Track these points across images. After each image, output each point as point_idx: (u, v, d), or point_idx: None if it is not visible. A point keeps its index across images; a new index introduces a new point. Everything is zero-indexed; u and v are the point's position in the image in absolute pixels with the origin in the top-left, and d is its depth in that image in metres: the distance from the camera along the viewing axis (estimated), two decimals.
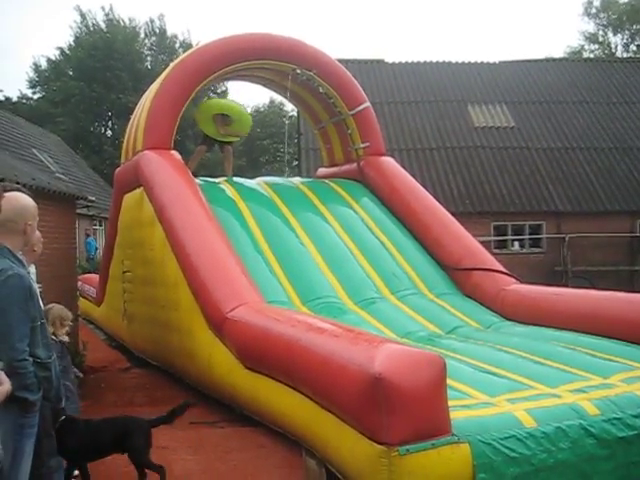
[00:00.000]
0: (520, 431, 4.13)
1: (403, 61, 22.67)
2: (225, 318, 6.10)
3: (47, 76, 40.81)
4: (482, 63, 22.51)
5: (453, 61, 22.56)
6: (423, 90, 21.00)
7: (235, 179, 9.45)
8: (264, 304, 6.41)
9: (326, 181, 9.82)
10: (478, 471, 3.91)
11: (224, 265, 6.73)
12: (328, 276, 7.71)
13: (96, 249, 21.38)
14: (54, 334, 4.78)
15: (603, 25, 40.17)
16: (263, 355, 5.52)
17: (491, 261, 8.26)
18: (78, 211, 12.55)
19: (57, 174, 20.05)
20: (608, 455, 4.37)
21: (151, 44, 42.74)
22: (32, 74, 41.34)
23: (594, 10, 39.83)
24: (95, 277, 12.72)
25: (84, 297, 12.75)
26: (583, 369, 5.25)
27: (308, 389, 4.77)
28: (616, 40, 40.43)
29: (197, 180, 8.35)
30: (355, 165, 9.73)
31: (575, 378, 5.04)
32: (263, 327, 5.67)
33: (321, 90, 9.58)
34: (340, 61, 9.88)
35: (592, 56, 35.93)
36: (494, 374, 5.20)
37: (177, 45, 42.14)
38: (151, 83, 9.56)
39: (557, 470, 4.17)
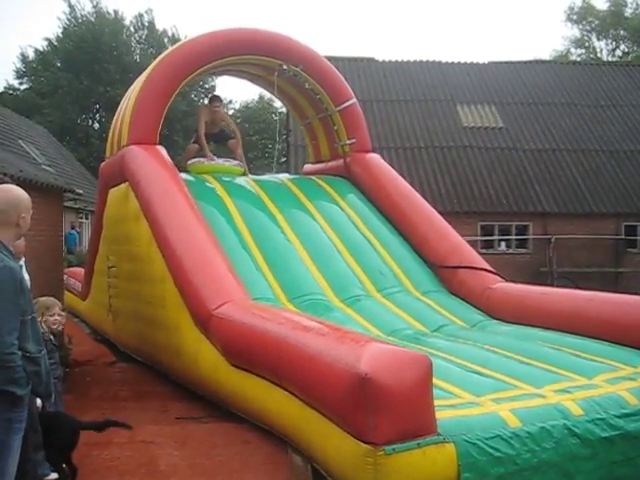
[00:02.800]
0: (505, 431, 4.15)
1: (393, 59, 22.71)
2: (211, 315, 6.08)
3: (34, 67, 40.51)
4: (471, 63, 22.60)
5: (443, 61, 22.64)
6: (412, 89, 21.04)
7: (221, 175, 9.39)
8: (250, 301, 6.39)
9: (312, 177, 9.81)
10: (463, 470, 3.93)
11: (210, 261, 6.70)
12: (314, 273, 7.70)
13: (75, 242, 20.87)
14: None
15: (587, 30, 40.52)
16: (249, 353, 5.50)
17: (477, 259, 8.27)
18: (64, 204, 12.47)
19: (44, 166, 19.91)
20: (591, 455, 4.41)
21: (139, 37, 42.53)
22: (19, 64, 41.04)
23: (575, 16, 40.18)
24: (80, 271, 12.64)
25: (69, 291, 12.67)
26: (568, 369, 5.27)
27: (294, 387, 4.77)
28: (601, 45, 40.81)
29: (183, 175, 8.31)
30: (341, 161, 9.72)
31: (560, 378, 5.07)
32: (249, 324, 5.65)
33: (307, 86, 9.55)
34: (330, 59, 9.87)
35: (579, 60, 36.20)
36: (479, 373, 5.22)
37: (165, 39, 41.95)
38: (139, 76, 9.49)
39: (541, 470, 4.20)
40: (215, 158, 9.48)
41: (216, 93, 11.47)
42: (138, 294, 8.05)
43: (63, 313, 5.29)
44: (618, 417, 4.59)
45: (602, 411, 4.58)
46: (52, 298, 5.21)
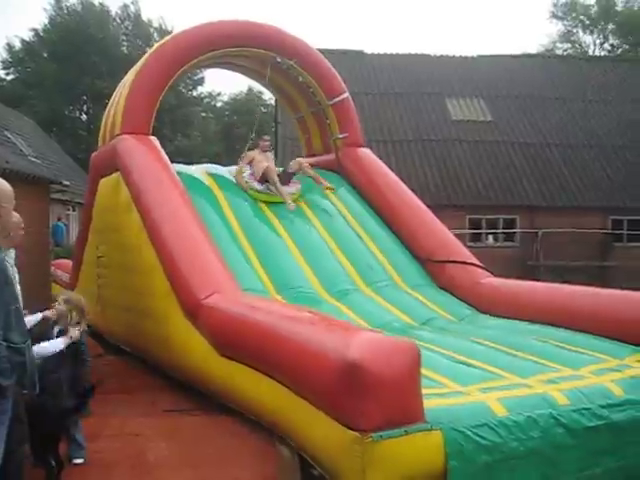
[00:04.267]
0: (492, 419, 4.19)
1: (382, 52, 22.71)
2: (200, 305, 6.10)
3: (21, 57, 40.19)
4: (460, 57, 22.65)
5: (432, 54, 22.66)
6: (401, 82, 21.07)
7: (211, 167, 9.38)
8: (239, 292, 6.41)
9: None
10: (450, 458, 3.97)
11: (200, 252, 6.72)
12: (303, 266, 7.73)
13: (63, 234, 20.65)
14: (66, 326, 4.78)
15: (573, 25, 40.69)
16: (238, 342, 5.53)
17: (466, 254, 8.33)
18: (52, 195, 12.40)
19: (31, 157, 19.79)
20: (576, 444, 4.46)
21: (126, 28, 42.27)
22: (5, 55, 40.71)
23: (560, 13, 40.36)
24: (68, 263, 12.59)
25: (57, 283, 12.63)
26: (554, 361, 5.34)
27: (283, 376, 4.80)
28: (588, 39, 40.98)
29: (174, 166, 8.31)
30: (333, 155, 9.74)
31: (546, 369, 5.13)
32: (238, 314, 5.68)
33: (300, 79, 9.56)
34: (319, 51, 9.87)
35: (566, 54, 36.36)
36: (467, 364, 5.27)
37: (152, 31, 41.74)
38: (127, 68, 9.46)
39: (527, 458, 4.24)
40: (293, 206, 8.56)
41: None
42: (128, 284, 8.04)
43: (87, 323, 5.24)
44: (603, 407, 4.64)
45: (587, 401, 4.63)
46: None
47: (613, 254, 17.92)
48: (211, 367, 5.98)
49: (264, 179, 8.62)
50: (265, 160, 8.86)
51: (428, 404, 4.12)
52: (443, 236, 8.63)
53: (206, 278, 6.37)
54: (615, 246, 18.05)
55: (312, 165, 9.89)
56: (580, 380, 4.91)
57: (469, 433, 4.06)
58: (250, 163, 8.85)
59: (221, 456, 5.08)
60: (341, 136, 9.64)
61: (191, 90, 44.66)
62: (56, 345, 4.63)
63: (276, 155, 20.36)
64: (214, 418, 6.00)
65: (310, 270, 7.70)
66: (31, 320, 4.49)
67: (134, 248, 7.66)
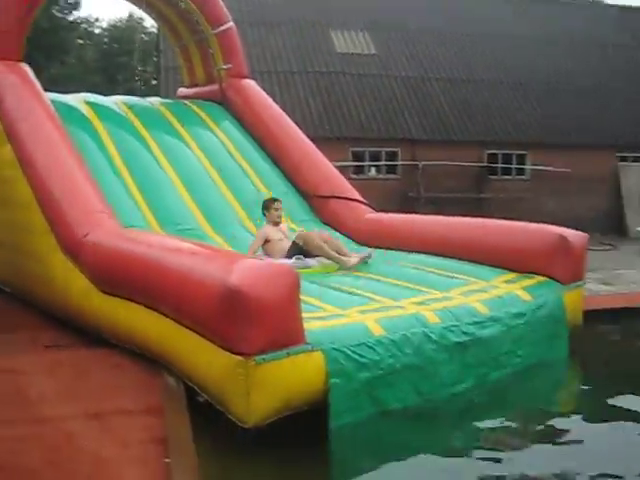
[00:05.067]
0: (370, 339, 4.47)
1: None
2: (80, 241, 5.94)
3: None
4: None
5: None
6: (286, 11, 20.73)
7: (90, 96, 8.99)
8: (121, 228, 6.30)
9: (186, 102, 9.61)
10: (331, 377, 4.21)
11: (78, 187, 6.49)
12: (188, 202, 7.66)
13: None
14: None
15: None
16: (120, 277, 5.46)
17: (349, 189, 8.53)
18: None
19: None
20: (447, 358, 4.87)
21: None
22: None
23: None
24: None
25: None
26: (426, 286, 5.70)
27: (167, 307, 4.83)
28: None
29: (49, 95, 7.90)
30: (217, 86, 9.58)
31: (419, 293, 5.48)
32: (120, 249, 5.58)
33: (182, 5, 9.24)
34: None
35: None
36: (346, 292, 5.52)
37: None
38: None
39: (403, 373, 4.58)
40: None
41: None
42: (4, 220, 7.70)
43: None
44: (470, 324, 5.07)
45: (456, 320, 5.03)
46: None
47: (489, 186, 18.81)
48: (93, 304, 5.89)
49: (292, 254, 6.86)
50: (284, 237, 7.14)
51: (309, 326, 4.32)
52: (326, 170, 8.77)
53: (86, 214, 6.16)
54: (490, 179, 18.93)
55: (195, 96, 9.69)
56: (450, 301, 5.30)
57: (349, 352, 4.31)
58: (266, 244, 7.04)
59: (104, 388, 5.07)
60: (225, 67, 9.47)
61: (66, 14, 41.96)
62: None
63: (159, 85, 19.72)
64: (96, 352, 5.94)
65: (195, 205, 7.65)
66: None
67: (8, 182, 7.31)
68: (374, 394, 4.45)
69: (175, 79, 16.07)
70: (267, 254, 6.93)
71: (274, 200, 7.33)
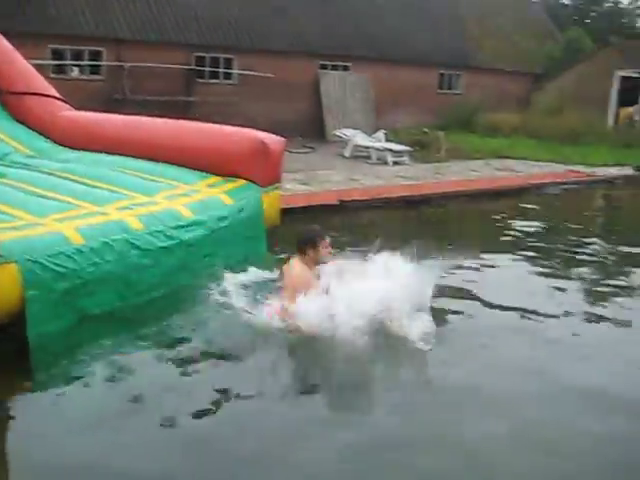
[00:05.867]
0: (68, 248, 4.35)
1: None
2: None
3: None
4: None
5: None
6: None
7: None
8: None
9: None
10: (27, 288, 4.06)
11: None
12: None
13: None
14: None
15: None
16: None
17: (45, 86, 7.95)
18: None
19: None
20: (152, 264, 4.92)
21: None
22: None
23: None
24: None
25: None
26: (130, 189, 5.62)
27: None
28: None
29: None
30: None
31: (122, 197, 5.40)
32: None
33: None
34: None
35: None
36: (43, 197, 5.24)
37: None
38: None
39: (105, 281, 4.56)
40: None
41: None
42: None
43: None
44: (174, 229, 5.17)
45: (160, 224, 5.08)
46: None
47: (196, 90, 18.74)
48: None
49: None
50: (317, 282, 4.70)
51: (2, 237, 4.07)
52: (20, 66, 8.05)
53: None
54: (197, 82, 18.86)
55: None
56: (154, 206, 5.32)
57: (45, 262, 4.17)
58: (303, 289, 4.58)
59: None
60: None
61: None
62: None
63: None
64: None
65: None
66: None
67: None
68: (74, 303, 4.38)
69: None
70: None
71: (322, 236, 4.91)
